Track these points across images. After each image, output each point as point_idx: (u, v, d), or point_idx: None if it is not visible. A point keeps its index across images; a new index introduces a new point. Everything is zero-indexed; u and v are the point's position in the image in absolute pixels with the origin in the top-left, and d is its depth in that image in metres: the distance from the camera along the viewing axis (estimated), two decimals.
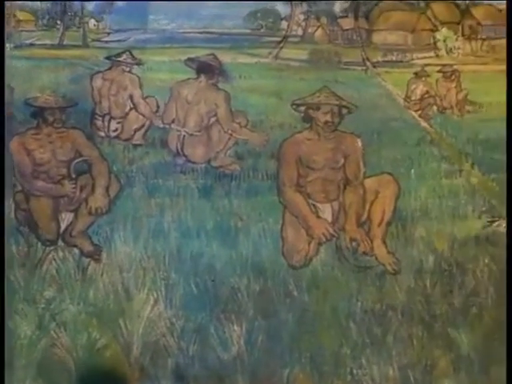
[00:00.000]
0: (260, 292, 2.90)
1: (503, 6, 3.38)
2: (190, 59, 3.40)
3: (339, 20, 3.68)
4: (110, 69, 3.49)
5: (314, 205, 2.96)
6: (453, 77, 3.51)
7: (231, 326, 2.80)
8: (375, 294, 2.90)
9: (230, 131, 3.40)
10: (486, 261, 2.95)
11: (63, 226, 2.96)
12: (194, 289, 2.90)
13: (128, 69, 3.46)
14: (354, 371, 2.77)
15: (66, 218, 2.97)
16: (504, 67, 3.26)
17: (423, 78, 3.56)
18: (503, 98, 3.22)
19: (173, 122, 3.45)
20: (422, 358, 2.78)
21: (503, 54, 3.37)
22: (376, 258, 2.94)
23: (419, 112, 3.58)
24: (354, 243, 2.93)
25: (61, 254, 2.94)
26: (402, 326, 2.84)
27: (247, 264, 2.96)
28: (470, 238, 3.03)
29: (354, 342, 2.81)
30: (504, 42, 3.27)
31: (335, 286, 2.91)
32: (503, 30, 3.36)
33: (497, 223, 3.00)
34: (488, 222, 3.03)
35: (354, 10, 3.66)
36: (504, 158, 3.13)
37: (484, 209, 3.12)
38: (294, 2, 3.60)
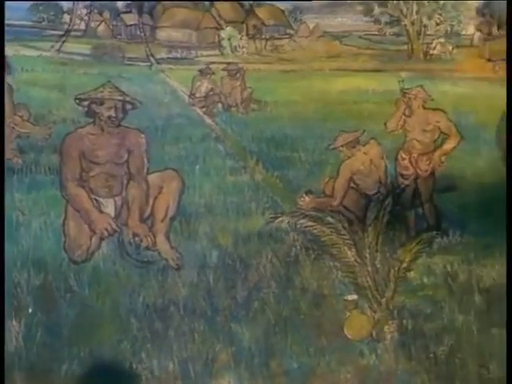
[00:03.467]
0: (40, 287, 4.84)
1: (285, 6, 6.12)
2: None
3: (122, 15, 5.84)
4: None
5: (96, 199, 4.98)
6: (237, 75, 5.81)
7: (10, 321, 4.67)
8: (157, 289, 4.98)
9: (11, 124, 5.29)
10: (269, 256, 5.19)
11: None
12: None
13: None
14: (134, 365, 4.78)
15: None
16: (288, 67, 5.89)
17: (208, 76, 5.80)
18: (287, 97, 5.71)
19: None
20: (202, 351, 4.89)
21: (287, 54, 5.99)
22: (159, 253, 5.06)
23: (204, 109, 5.82)
24: (136, 238, 5.03)
25: None
26: (183, 321, 4.94)
27: (28, 258, 4.88)
28: (253, 234, 5.26)
29: (135, 337, 4.85)
30: (287, 42, 6.02)
31: (117, 281, 4.93)
32: (286, 30, 6.12)
33: (279, 219, 5.25)
34: (271, 218, 5.25)
35: (138, 5, 5.77)
36: (288, 154, 5.65)
37: (267, 205, 5.38)
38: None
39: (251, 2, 6.11)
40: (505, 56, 5.79)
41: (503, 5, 5.80)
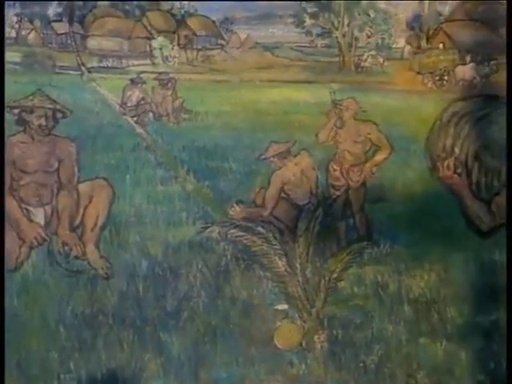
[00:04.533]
0: None
1: (217, 17, 6.65)
2: None
3: (53, 24, 6.24)
4: None
5: (26, 208, 5.41)
6: (169, 85, 6.28)
7: None
8: (86, 298, 5.44)
9: None
10: (199, 266, 5.67)
11: None
12: None
13: None
14: (61, 376, 5.25)
15: None
16: (219, 77, 6.40)
17: (139, 85, 6.25)
18: (218, 107, 6.18)
19: None
20: (131, 361, 5.37)
21: (218, 65, 6.51)
22: (88, 263, 5.52)
23: (135, 118, 6.26)
24: (66, 247, 5.47)
25: None
26: (112, 330, 5.42)
27: None
28: (183, 244, 5.72)
29: (63, 347, 5.30)
30: (218, 52, 6.56)
31: (45, 291, 5.37)
32: (217, 40, 6.66)
33: (210, 229, 5.74)
34: (202, 228, 5.74)
35: (69, 14, 6.16)
36: (219, 164, 6.08)
37: (198, 215, 5.83)
38: (6, 3, 5.96)
39: (183, 12, 6.61)
40: (433, 69, 6.49)
41: (432, 19, 6.46)
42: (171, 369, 5.54)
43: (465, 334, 5.76)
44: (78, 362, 5.45)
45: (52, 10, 6.29)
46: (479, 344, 5.73)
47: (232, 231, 5.82)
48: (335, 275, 5.83)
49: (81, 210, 5.66)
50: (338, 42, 6.65)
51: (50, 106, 5.59)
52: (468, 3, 6.43)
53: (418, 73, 6.56)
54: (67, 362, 5.43)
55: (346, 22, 6.53)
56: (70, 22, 6.27)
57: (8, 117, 5.59)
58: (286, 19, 6.49)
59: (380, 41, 6.65)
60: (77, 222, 5.66)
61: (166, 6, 6.60)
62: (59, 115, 5.64)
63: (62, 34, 6.37)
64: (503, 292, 5.47)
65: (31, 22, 6.33)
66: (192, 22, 6.69)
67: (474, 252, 5.83)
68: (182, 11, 6.60)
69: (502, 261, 5.59)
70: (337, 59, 6.65)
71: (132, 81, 6.42)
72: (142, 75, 6.45)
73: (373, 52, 6.67)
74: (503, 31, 6.29)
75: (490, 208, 5.49)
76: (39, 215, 5.61)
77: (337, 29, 6.54)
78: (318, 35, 6.64)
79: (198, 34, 6.67)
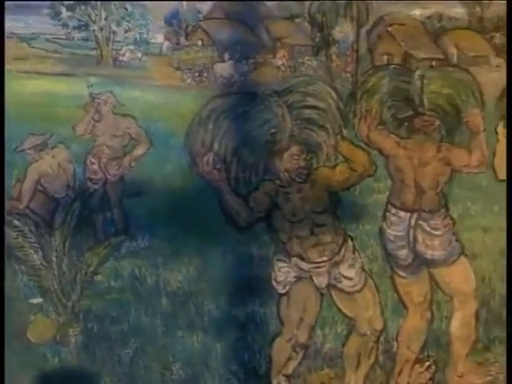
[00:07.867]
0: None
1: None
2: None
3: None
4: None
5: None
6: None
7: None
8: None
9: None
10: None
11: None
12: None
13: None
14: None
15: None
16: None
17: None
18: None
19: None
20: None
21: None
22: None
23: None
24: None
25: None
26: None
27: None
28: None
29: None
30: None
31: None
32: None
33: None
34: None
35: None
36: None
37: None
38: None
39: None
40: (192, 66, 7.18)
41: (191, 16, 7.16)
42: None
43: (221, 326, 6.31)
44: None
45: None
46: (234, 336, 6.28)
47: None
48: (92, 269, 6.28)
49: None
50: (95, 35, 7.22)
51: None
52: (226, 3, 7.08)
53: (177, 68, 7.23)
54: None
55: (103, 15, 7.06)
56: None
57: None
58: (40, 10, 6.96)
59: (138, 36, 7.27)
60: None
61: None
62: None
63: None
64: (259, 285, 6.11)
65: None
66: None
67: (231, 246, 6.34)
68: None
69: (259, 255, 6.27)
70: (94, 52, 7.18)
71: None
72: None
73: (131, 47, 7.30)
74: (260, 31, 7.04)
75: (247, 203, 5.81)
76: None
77: (94, 22, 7.06)
78: (74, 28, 7.19)
79: None
